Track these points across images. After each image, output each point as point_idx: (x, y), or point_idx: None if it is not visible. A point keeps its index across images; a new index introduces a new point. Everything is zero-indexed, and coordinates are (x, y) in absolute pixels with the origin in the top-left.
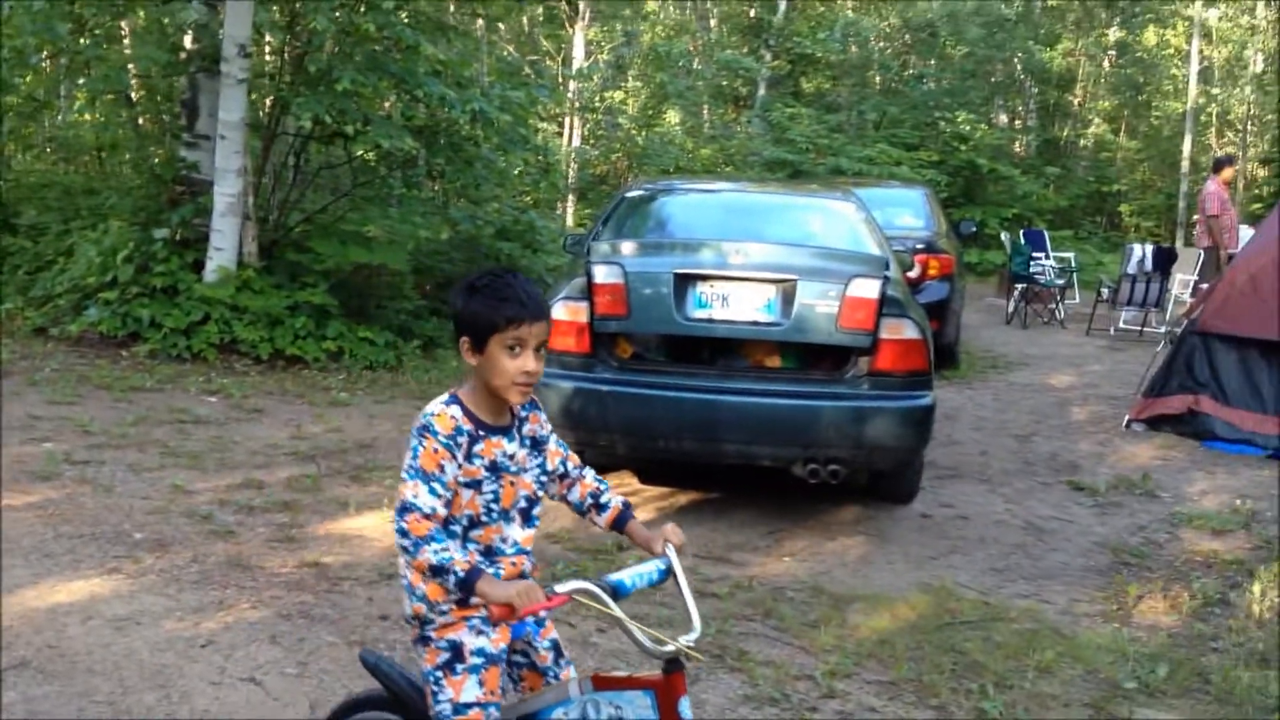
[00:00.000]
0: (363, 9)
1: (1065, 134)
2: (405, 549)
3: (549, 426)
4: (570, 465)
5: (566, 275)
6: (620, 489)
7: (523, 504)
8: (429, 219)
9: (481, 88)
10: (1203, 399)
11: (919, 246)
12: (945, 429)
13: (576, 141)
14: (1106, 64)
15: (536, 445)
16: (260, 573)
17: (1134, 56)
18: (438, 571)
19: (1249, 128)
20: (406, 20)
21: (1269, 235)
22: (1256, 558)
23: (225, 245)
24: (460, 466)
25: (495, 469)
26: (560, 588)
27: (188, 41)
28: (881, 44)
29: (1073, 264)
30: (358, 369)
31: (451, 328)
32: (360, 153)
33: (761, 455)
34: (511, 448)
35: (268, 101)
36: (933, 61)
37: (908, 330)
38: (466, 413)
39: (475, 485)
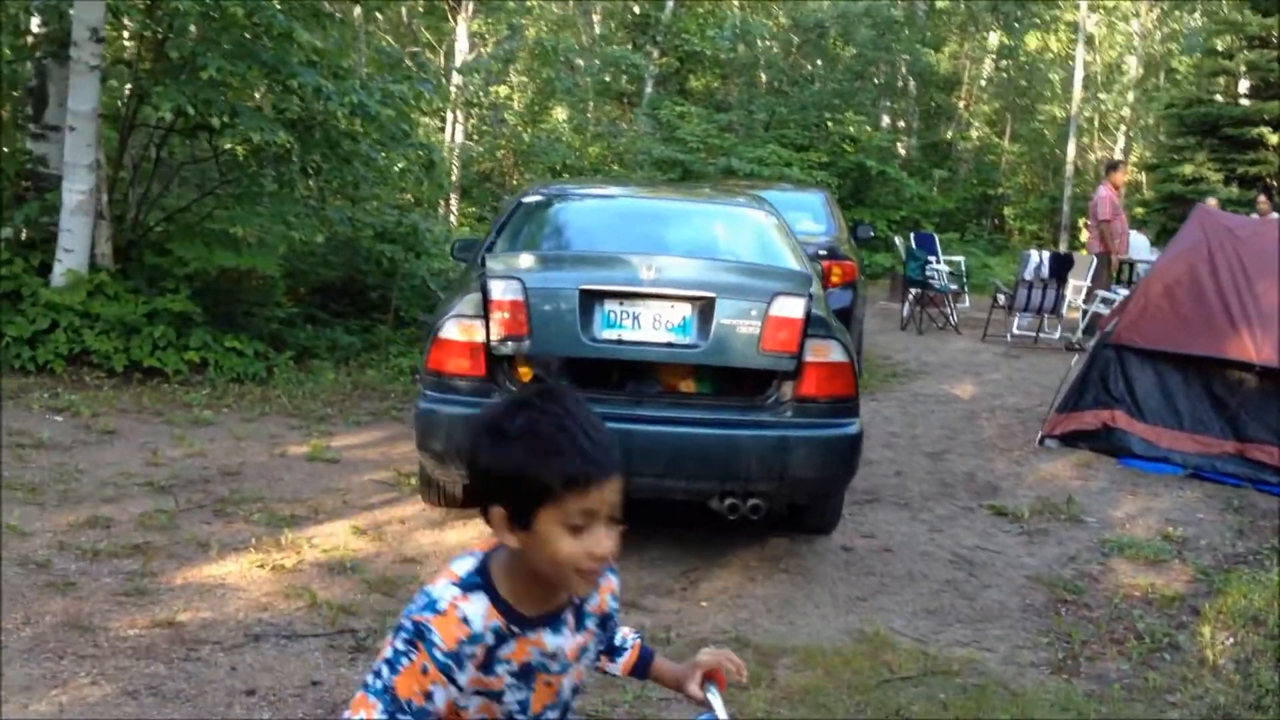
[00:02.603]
0: None
1: (949, 137)
2: None
3: (616, 586)
4: (619, 634)
5: (458, 289)
6: None
7: (565, 699)
8: (303, 219)
9: (361, 80)
10: (1118, 414)
11: (821, 253)
12: None
13: (460, 138)
14: (988, 67)
15: (603, 624)
16: (104, 636)
17: (1018, 62)
18: None
19: (1129, 133)
20: (279, 5)
21: (1184, 245)
22: (1195, 592)
23: (75, 246)
24: (468, 678)
25: (527, 673)
26: None
27: (35, 25)
28: (768, 43)
29: (962, 268)
30: (223, 382)
31: (471, 481)
32: (228, 147)
33: (676, 489)
34: (557, 642)
35: (126, 90)
36: (820, 62)
37: (834, 353)
38: (497, 603)
39: (494, 695)
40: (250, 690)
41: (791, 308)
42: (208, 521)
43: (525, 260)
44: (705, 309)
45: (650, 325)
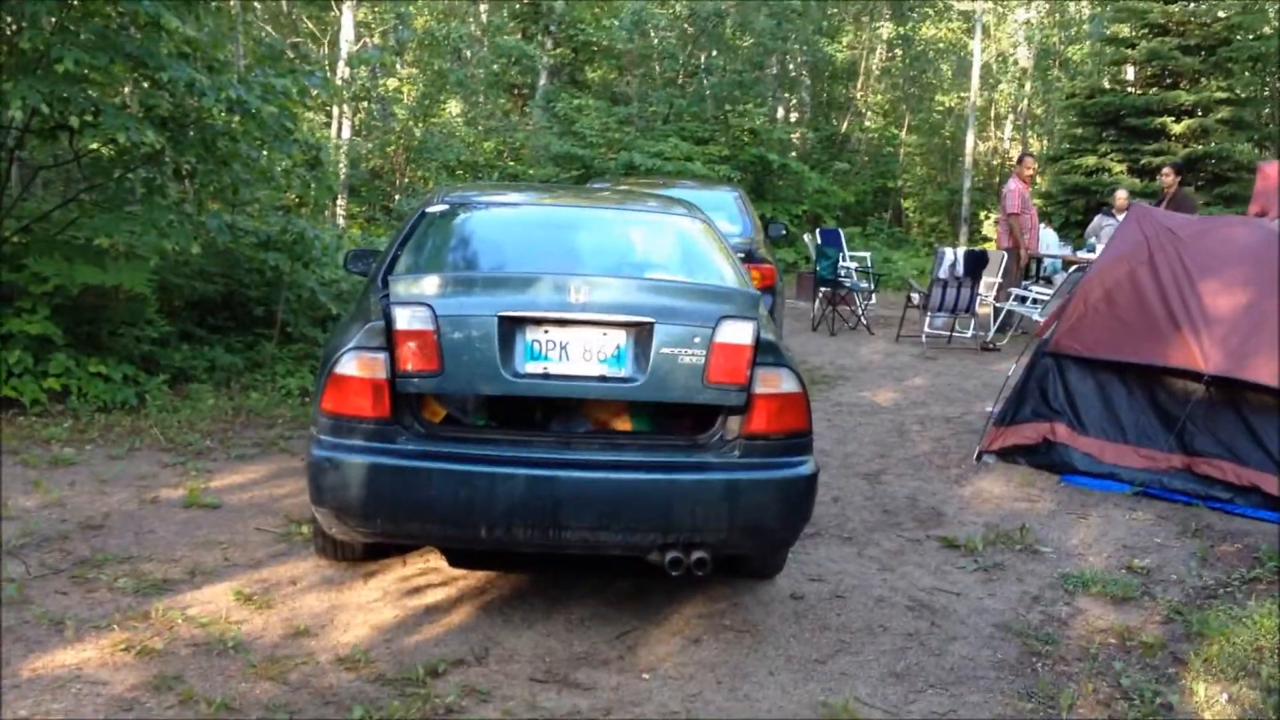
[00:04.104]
0: None
1: (845, 129)
2: None
3: None
4: None
5: (356, 316)
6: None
7: None
8: (177, 227)
9: (239, 73)
10: (1058, 427)
11: (740, 256)
12: None
13: (347, 133)
14: (878, 58)
15: None
16: None
17: (911, 52)
18: None
19: (1017, 123)
20: None
21: (1123, 246)
22: (1173, 636)
23: None
24: None
25: None
26: None
27: None
28: (665, 33)
29: (868, 264)
30: (88, 411)
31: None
32: (93, 148)
33: (611, 543)
34: None
35: None
36: (714, 53)
37: (786, 382)
38: None
39: None
40: None
41: (739, 333)
42: (65, 591)
43: (435, 282)
44: (642, 336)
45: (581, 356)
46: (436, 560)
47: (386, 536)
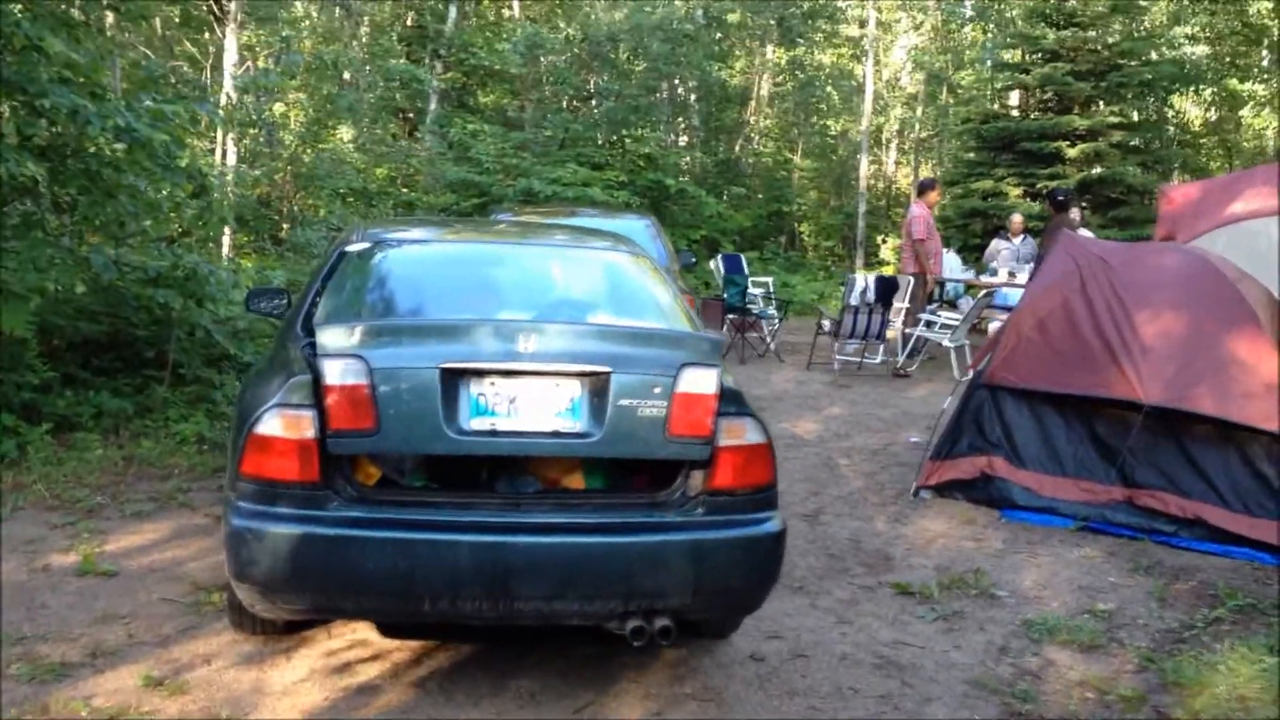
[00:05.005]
0: None
1: (737, 152)
2: None
3: None
4: None
5: (274, 368)
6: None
7: None
8: (59, 265)
9: (124, 99)
10: (995, 461)
11: None
12: None
13: (232, 160)
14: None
15: None
16: None
17: (805, 76)
18: None
19: (902, 147)
20: (20, 11)
21: (1054, 274)
22: (1150, 687)
23: None
24: None
25: None
26: None
27: None
28: (553, 58)
29: (770, 289)
30: None
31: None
32: None
33: (568, 613)
34: None
35: None
36: (605, 76)
37: (750, 433)
38: None
39: None
40: None
41: (702, 382)
42: None
43: (366, 331)
44: (598, 387)
45: (531, 410)
46: (366, 631)
47: (317, 613)
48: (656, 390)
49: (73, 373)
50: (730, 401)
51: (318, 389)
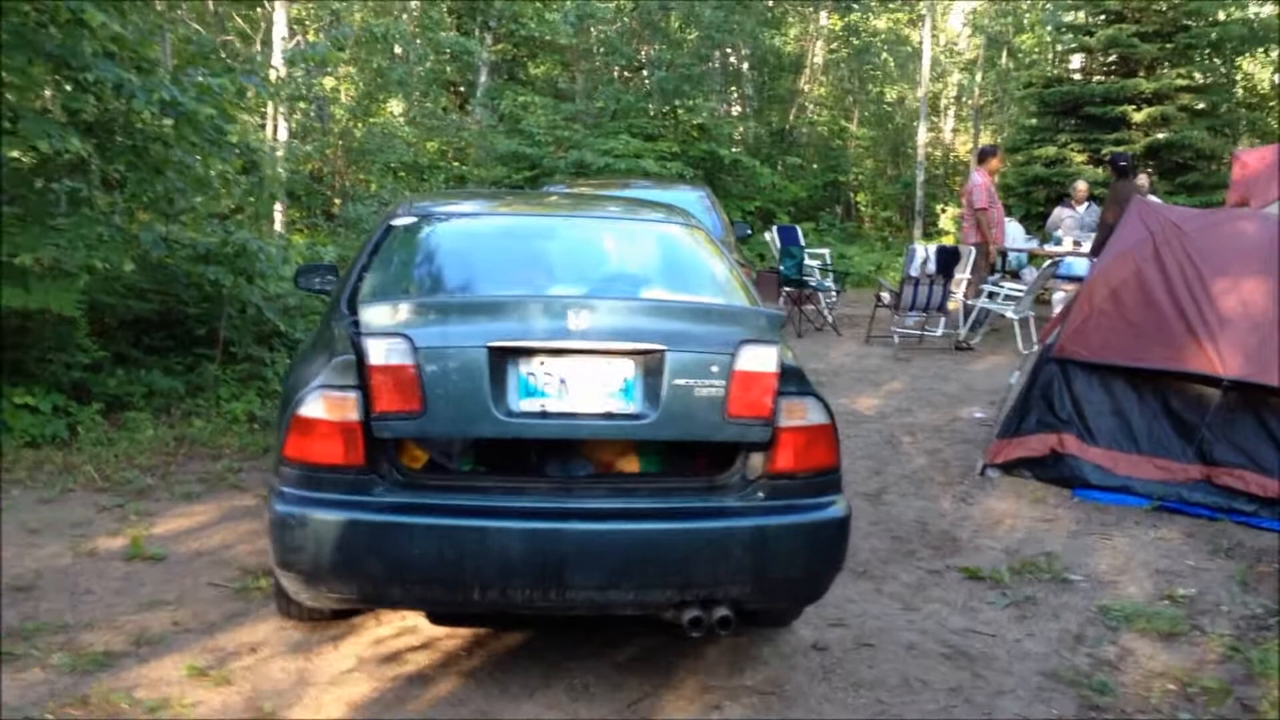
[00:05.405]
0: None
1: (791, 121)
2: None
3: None
4: None
5: (318, 347)
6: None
7: None
8: (107, 242)
9: (171, 74)
10: (1066, 438)
11: None
12: None
13: (284, 135)
14: (820, 51)
15: None
16: None
17: (860, 42)
18: None
19: (977, 116)
20: None
21: (1127, 242)
22: (1235, 678)
23: None
24: None
25: None
26: None
27: None
28: (604, 27)
29: (827, 261)
30: (14, 448)
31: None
32: (12, 156)
33: (623, 603)
34: None
35: None
36: (657, 45)
37: (812, 413)
38: None
39: None
40: None
41: (762, 360)
42: None
43: (412, 309)
44: (653, 366)
45: (583, 391)
46: (415, 618)
47: (363, 602)
48: (714, 369)
49: (124, 351)
50: (791, 380)
51: (362, 369)
